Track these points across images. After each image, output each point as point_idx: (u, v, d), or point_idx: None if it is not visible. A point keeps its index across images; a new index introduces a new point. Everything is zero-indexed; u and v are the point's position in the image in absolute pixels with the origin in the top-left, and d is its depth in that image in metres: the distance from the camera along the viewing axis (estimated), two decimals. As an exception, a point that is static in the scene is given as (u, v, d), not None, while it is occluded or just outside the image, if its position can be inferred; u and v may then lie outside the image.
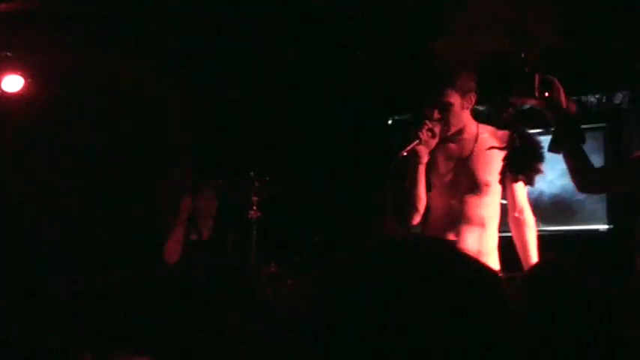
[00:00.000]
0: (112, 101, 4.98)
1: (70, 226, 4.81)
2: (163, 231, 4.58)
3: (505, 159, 2.84)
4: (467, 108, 2.84)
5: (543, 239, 5.53)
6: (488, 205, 2.85)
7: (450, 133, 2.84)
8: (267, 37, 5.14)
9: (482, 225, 2.82)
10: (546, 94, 2.54)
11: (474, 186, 2.81)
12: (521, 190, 2.94)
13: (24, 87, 4.47)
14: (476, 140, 2.86)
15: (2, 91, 4.42)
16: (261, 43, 5.17)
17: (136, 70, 5.04)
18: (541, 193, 5.71)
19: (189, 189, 4.76)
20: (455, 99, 2.77)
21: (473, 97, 2.85)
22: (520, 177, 2.89)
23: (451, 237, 2.80)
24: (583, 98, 5.48)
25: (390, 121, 6.12)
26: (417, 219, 2.85)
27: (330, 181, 5.66)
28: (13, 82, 4.42)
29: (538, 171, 2.93)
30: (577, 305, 1.31)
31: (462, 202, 2.81)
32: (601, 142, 5.55)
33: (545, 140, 5.67)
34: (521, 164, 2.86)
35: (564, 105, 2.53)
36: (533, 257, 2.89)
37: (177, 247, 4.46)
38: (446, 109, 2.77)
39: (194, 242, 4.56)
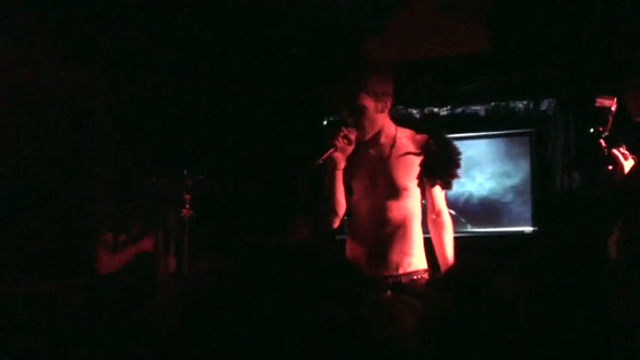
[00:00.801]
0: (35, 100, 4.83)
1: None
2: (93, 237, 4.49)
3: (422, 164, 2.87)
4: (383, 112, 2.83)
5: (472, 241, 5.72)
6: (410, 207, 2.87)
7: (366, 138, 2.84)
8: (199, 35, 5.09)
9: (404, 226, 2.84)
10: None
11: (393, 189, 2.84)
12: (438, 193, 2.96)
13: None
14: (394, 144, 2.87)
15: None
16: (194, 40, 5.11)
17: (60, 67, 4.91)
18: (470, 196, 5.85)
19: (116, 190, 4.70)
20: (368, 103, 2.76)
21: (389, 101, 2.84)
22: (437, 181, 2.92)
23: (374, 239, 2.84)
24: (511, 104, 5.65)
25: (325, 122, 6.15)
26: (336, 223, 2.87)
27: (265, 181, 5.65)
28: None
29: (455, 176, 2.95)
30: (484, 303, 1.35)
31: (382, 206, 2.83)
32: (527, 147, 5.73)
33: (468, 145, 5.80)
34: (438, 169, 2.89)
35: None
36: (450, 259, 2.93)
37: (109, 254, 4.41)
38: (360, 112, 2.77)
39: (123, 242, 4.48)
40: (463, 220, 5.84)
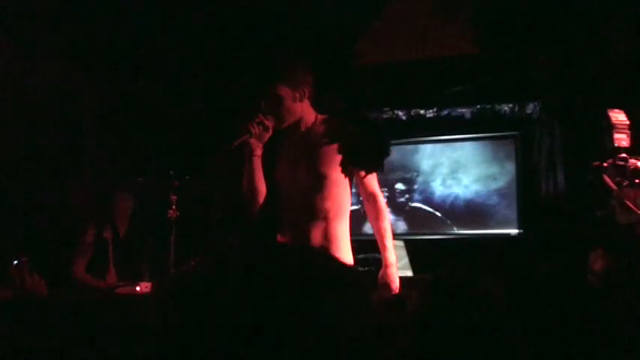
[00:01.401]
0: (25, 98, 4.80)
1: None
2: (74, 242, 4.46)
3: (341, 148, 2.78)
4: (301, 100, 2.76)
5: (458, 242, 5.76)
6: (333, 198, 2.78)
7: (284, 126, 2.79)
8: (178, 35, 5.07)
9: (326, 218, 2.76)
10: None
11: (314, 178, 2.76)
12: (370, 177, 2.87)
13: None
14: (312, 132, 2.81)
15: None
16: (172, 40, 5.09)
17: (50, 67, 4.88)
18: (456, 198, 5.88)
19: (99, 191, 4.68)
20: (285, 92, 2.71)
21: (307, 90, 2.77)
22: (360, 164, 2.83)
23: (296, 231, 2.78)
24: (496, 107, 5.69)
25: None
26: (255, 212, 2.81)
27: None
28: None
29: (379, 156, 2.86)
30: (467, 305, 1.36)
31: (304, 196, 2.77)
32: (512, 149, 5.77)
33: (454, 147, 5.83)
34: (357, 152, 2.80)
35: None
36: (389, 244, 2.84)
37: (87, 255, 4.39)
38: (276, 102, 2.72)
39: (109, 241, 4.46)
40: (449, 222, 5.87)
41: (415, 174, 6.00)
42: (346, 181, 2.84)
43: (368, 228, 6.14)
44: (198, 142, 5.47)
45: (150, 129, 5.42)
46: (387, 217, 2.93)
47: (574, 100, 5.17)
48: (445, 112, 5.82)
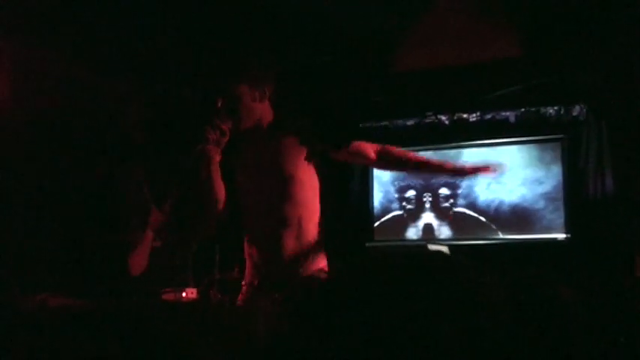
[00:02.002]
0: (71, 106, 4.91)
1: (26, 233, 4.72)
2: (126, 240, 4.52)
3: (303, 143, 2.66)
4: (261, 100, 2.65)
5: (503, 248, 5.67)
6: (302, 203, 2.67)
7: (244, 127, 2.66)
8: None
9: (298, 224, 2.65)
10: None
11: (281, 183, 2.64)
12: (359, 143, 2.69)
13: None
14: (274, 134, 2.69)
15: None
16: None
17: (95, 75, 4.99)
18: (501, 203, 5.80)
19: (153, 196, 4.72)
20: (243, 90, 2.61)
21: (268, 90, 2.66)
22: (330, 145, 2.69)
23: (267, 238, 2.68)
24: (542, 110, 5.60)
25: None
26: (214, 220, 2.75)
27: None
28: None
29: (344, 131, 2.79)
30: (545, 316, 1.32)
31: (272, 203, 2.66)
32: (559, 152, 5.67)
33: (498, 151, 5.74)
34: (320, 137, 2.67)
35: None
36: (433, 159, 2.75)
37: (143, 260, 4.42)
38: (235, 101, 2.61)
39: (157, 249, 4.52)
40: (494, 226, 5.80)
41: (460, 179, 5.95)
42: (314, 181, 2.72)
43: (411, 233, 6.12)
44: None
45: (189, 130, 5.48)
46: (410, 154, 2.79)
47: (622, 102, 5.06)
48: (489, 116, 5.76)
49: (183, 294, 4.04)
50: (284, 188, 2.64)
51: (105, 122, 5.20)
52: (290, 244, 2.64)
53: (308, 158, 2.67)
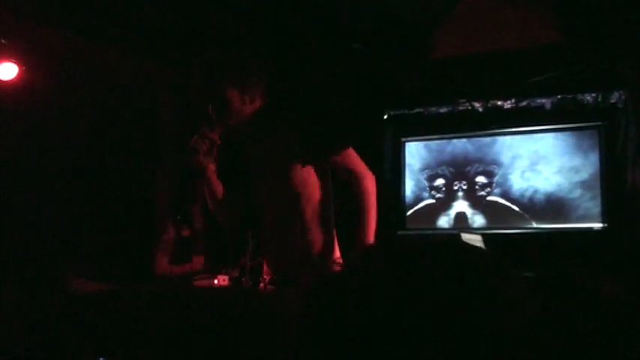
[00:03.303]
0: (105, 93, 4.95)
1: (63, 221, 4.78)
2: (161, 230, 4.58)
3: (293, 144, 2.58)
4: (252, 103, 2.57)
5: (538, 237, 5.59)
6: (306, 205, 2.61)
7: (233, 129, 2.59)
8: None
9: (309, 228, 2.61)
10: None
11: (285, 185, 2.59)
12: (349, 156, 2.61)
13: (18, 75, 4.45)
14: (265, 136, 2.64)
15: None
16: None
17: (130, 63, 5.02)
18: (536, 191, 5.71)
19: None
20: (232, 94, 2.52)
21: (259, 92, 2.59)
22: (316, 153, 2.60)
23: (278, 244, 2.67)
24: (579, 96, 5.49)
25: (385, 116, 6.11)
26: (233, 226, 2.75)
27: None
28: (8, 70, 4.40)
29: (333, 140, 2.62)
30: (590, 310, 1.27)
31: (280, 208, 2.63)
32: (596, 140, 5.55)
33: (534, 139, 5.66)
34: (308, 143, 2.58)
35: None
36: (369, 233, 2.54)
37: (166, 260, 4.47)
38: (224, 106, 2.53)
39: (187, 237, 4.55)
40: (527, 216, 5.71)
41: (495, 167, 5.87)
42: (316, 184, 2.64)
43: (443, 222, 6.06)
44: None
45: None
46: (373, 194, 2.60)
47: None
48: (524, 103, 5.66)
49: (215, 281, 4.06)
50: (290, 193, 2.59)
51: (139, 114, 5.24)
52: (304, 248, 2.61)
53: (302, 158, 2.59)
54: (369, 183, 2.60)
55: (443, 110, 5.92)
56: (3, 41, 4.30)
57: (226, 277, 4.12)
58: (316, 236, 2.63)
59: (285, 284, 2.62)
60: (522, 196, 5.76)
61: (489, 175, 5.88)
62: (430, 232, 5.99)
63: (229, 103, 2.53)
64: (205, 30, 4.85)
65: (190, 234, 4.56)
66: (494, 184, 5.86)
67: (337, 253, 2.67)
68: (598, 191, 5.48)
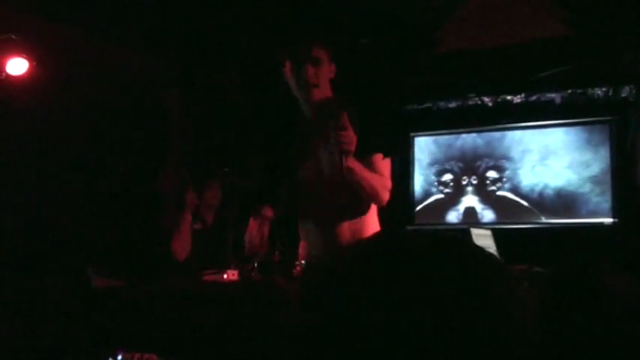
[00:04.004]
0: (114, 90, 4.97)
1: (70, 217, 4.80)
2: (166, 225, 4.57)
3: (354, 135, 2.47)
4: (330, 76, 2.61)
5: (548, 232, 5.57)
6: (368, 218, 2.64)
7: (311, 99, 2.57)
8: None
9: (356, 216, 2.62)
10: None
11: (340, 173, 2.45)
12: (384, 163, 2.59)
13: (28, 70, 4.48)
14: (329, 121, 2.49)
15: (7, 74, 4.42)
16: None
17: (138, 60, 5.03)
18: (545, 186, 5.69)
19: (190, 180, 4.76)
20: (324, 55, 2.56)
21: (333, 69, 2.62)
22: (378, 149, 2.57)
23: (324, 229, 2.65)
24: (589, 91, 5.46)
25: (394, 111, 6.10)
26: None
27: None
28: (18, 65, 4.43)
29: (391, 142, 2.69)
30: (600, 307, 1.26)
31: (332, 193, 2.59)
32: (607, 135, 5.53)
33: (544, 133, 5.61)
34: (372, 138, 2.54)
35: None
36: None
37: (186, 242, 4.44)
38: (316, 63, 2.56)
39: (198, 232, 4.56)
40: (536, 211, 5.69)
41: (504, 161, 5.85)
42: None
43: (452, 217, 6.05)
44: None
45: (236, 120, 5.50)
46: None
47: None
48: (534, 98, 5.63)
49: (225, 276, 4.07)
50: (344, 180, 2.49)
51: (146, 110, 5.26)
52: (347, 235, 2.59)
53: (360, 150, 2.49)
54: (385, 194, 2.57)
55: (452, 105, 5.90)
56: (14, 37, 4.32)
57: (235, 272, 4.12)
58: (367, 219, 2.63)
59: None
60: (532, 191, 5.74)
61: (499, 169, 5.87)
62: (439, 227, 5.99)
63: (321, 61, 2.55)
64: (212, 29, 4.87)
65: (201, 227, 4.56)
66: (504, 179, 5.85)
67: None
68: (608, 186, 5.46)
